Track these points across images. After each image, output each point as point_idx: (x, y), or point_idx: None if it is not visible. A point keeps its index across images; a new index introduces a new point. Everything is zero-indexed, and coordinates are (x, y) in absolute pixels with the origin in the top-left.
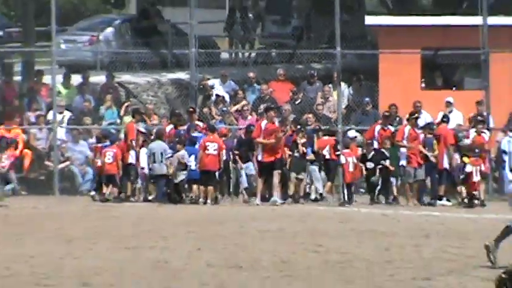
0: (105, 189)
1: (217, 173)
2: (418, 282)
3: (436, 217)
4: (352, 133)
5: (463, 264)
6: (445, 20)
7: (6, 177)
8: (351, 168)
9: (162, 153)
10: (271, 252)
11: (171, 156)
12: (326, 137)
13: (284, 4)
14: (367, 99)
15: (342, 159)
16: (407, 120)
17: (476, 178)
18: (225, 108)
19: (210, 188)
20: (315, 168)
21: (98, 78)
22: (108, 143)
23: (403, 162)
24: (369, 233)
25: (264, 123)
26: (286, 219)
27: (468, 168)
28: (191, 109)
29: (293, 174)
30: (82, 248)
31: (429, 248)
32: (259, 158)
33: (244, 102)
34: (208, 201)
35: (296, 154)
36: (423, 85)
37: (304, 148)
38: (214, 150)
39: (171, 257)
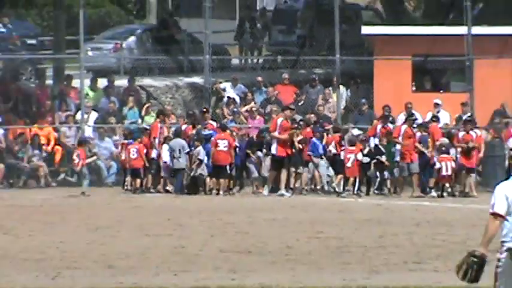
0: (130, 182)
1: (228, 167)
2: (409, 266)
3: (425, 207)
4: (356, 131)
5: (450, 249)
6: (434, 30)
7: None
8: (349, 164)
9: (180, 150)
10: (277, 239)
11: (189, 152)
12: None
13: (289, 15)
14: (363, 100)
15: (437, 165)
16: (406, 120)
17: (445, 173)
18: (235, 109)
19: (222, 180)
20: (323, 163)
21: (121, 82)
22: (132, 140)
23: (397, 158)
24: (365, 221)
25: (280, 120)
26: (291, 209)
27: (437, 165)
28: (204, 109)
29: (292, 169)
30: (107, 235)
31: (419, 235)
32: (273, 151)
33: (252, 103)
34: (221, 192)
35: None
36: (414, 88)
37: (300, 145)
38: (225, 146)
39: (187, 243)
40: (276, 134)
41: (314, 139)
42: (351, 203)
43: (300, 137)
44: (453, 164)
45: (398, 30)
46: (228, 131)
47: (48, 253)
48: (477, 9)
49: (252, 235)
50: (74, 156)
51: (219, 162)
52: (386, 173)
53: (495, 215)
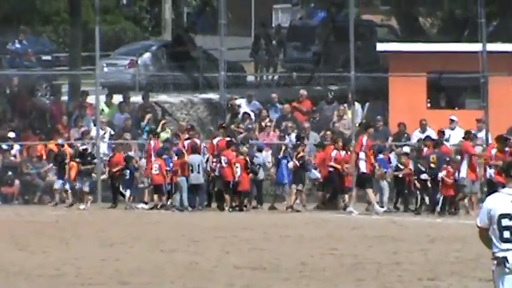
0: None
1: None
2: (423, 282)
3: (439, 223)
4: (406, 149)
5: (464, 266)
6: (449, 47)
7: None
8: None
9: (198, 165)
10: (291, 255)
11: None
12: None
13: (304, 32)
14: (378, 117)
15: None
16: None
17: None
18: (250, 126)
19: (226, 196)
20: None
21: (137, 98)
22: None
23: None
24: (379, 238)
25: (365, 139)
26: (305, 226)
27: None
28: (222, 124)
29: (293, 186)
30: (122, 251)
31: (434, 251)
32: (362, 169)
33: (267, 120)
34: (226, 208)
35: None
36: (428, 105)
37: (298, 162)
38: (225, 163)
39: (201, 260)
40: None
41: (381, 155)
42: (365, 219)
43: (301, 154)
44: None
45: (413, 47)
46: (232, 148)
47: (63, 269)
48: (492, 26)
49: (267, 251)
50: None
51: (223, 178)
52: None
53: (478, 227)
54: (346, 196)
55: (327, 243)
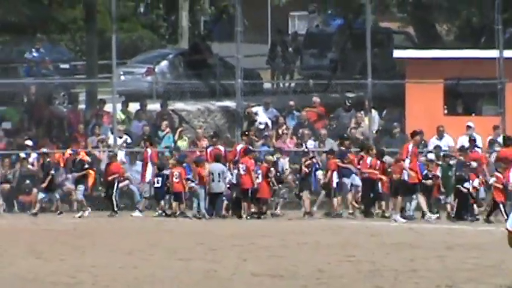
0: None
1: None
2: None
3: (457, 230)
4: (431, 156)
5: (482, 273)
6: (465, 53)
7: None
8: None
9: (219, 174)
10: (309, 262)
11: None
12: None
13: (321, 39)
14: (395, 124)
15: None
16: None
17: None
18: (267, 133)
19: (244, 203)
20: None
21: (154, 106)
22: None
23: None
24: (396, 245)
25: (410, 146)
26: (322, 233)
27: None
28: (245, 132)
29: (305, 193)
30: (139, 259)
31: (451, 258)
32: (405, 178)
33: (284, 127)
34: (244, 215)
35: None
36: (445, 111)
37: (307, 169)
38: (243, 170)
39: (219, 267)
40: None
41: (420, 163)
42: (382, 226)
43: (308, 162)
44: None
45: (430, 53)
46: (249, 155)
47: (79, 277)
48: (508, 32)
49: (284, 259)
50: (174, 178)
51: (241, 186)
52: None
53: (508, 230)
54: (383, 203)
55: (344, 250)
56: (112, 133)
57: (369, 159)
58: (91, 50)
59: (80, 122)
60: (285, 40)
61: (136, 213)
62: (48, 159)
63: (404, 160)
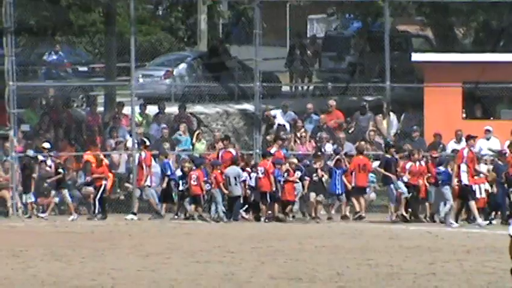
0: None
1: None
2: None
3: (476, 234)
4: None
5: (500, 276)
6: (484, 57)
7: None
8: (482, 194)
9: (236, 178)
10: (327, 266)
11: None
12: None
13: (339, 42)
14: (415, 127)
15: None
16: None
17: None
18: (285, 136)
19: (263, 207)
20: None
21: (172, 109)
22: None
23: None
24: (415, 248)
25: (465, 151)
26: (340, 236)
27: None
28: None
29: (312, 195)
30: (158, 262)
31: (470, 262)
32: (464, 181)
33: (302, 130)
34: (262, 218)
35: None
36: (464, 115)
37: (323, 172)
38: (262, 173)
39: (237, 270)
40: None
41: (442, 168)
42: (401, 230)
43: (320, 164)
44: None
45: (449, 57)
46: (268, 158)
47: (99, 280)
48: None
49: (302, 262)
50: (192, 181)
51: (260, 189)
52: None
53: (510, 236)
54: (427, 205)
55: (363, 254)
56: (130, 136)
57: (409, 164)
58: (110, 53)
59: (99, 125)
60: (304, 43)
61: (130, 216)
62: (58, 161)
63: (460, 165)
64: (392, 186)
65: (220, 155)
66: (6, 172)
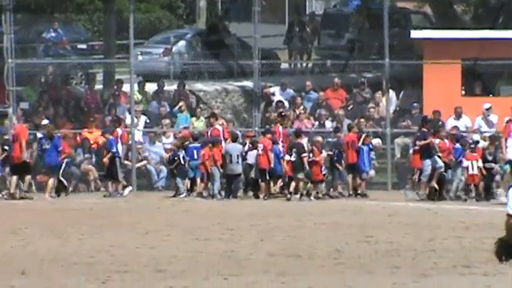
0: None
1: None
2: (458, 270)
3: (474, 211)
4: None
5: None
6: (483, 34)
7: None
8: (475, 171)
9: (238, 155)
10: (326, 243)
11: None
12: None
13: (338, 19)
14: (415, 104)
15: (465, 163)
16: None
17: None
18: (284, 114)
19: (262, 184)
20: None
21: (171, 87)
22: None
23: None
24: (414, 225)
25: None
26: (339, 213)
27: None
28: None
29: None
30: (157, 239)
31: (469, 239)
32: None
33: (301, 107)
34: (261, 196)
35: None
36: (463, 92)
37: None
38: (261, 150)
39: (236, 247)
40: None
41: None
42: (400, 207)
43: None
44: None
45: (448, 34)
46: (268, 136)
47: (98, 257)
48: None
49: (301, 239)
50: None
51: (259, 166)
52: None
53: (508, 215)
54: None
55: (362, 231)
56: (129, 113)
57: (437, 141)
58: (109, 30)
59: (97, 102)
60: (303, 20)
61: (126, 192)
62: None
63: (506, 140)
64: (429, 161)
65: (208, 132)
66: None
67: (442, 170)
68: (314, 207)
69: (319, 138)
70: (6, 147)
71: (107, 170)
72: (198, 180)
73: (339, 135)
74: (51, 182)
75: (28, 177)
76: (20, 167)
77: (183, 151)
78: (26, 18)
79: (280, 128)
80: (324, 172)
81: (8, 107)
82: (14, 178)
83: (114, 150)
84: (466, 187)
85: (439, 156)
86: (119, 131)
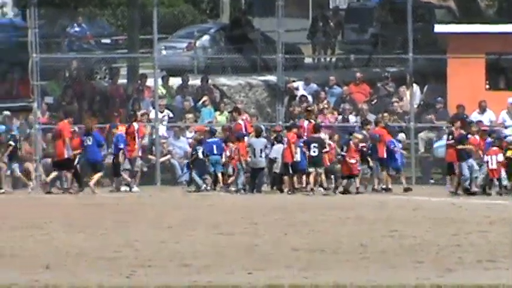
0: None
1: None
2: (483, 264)
3: (500, 205)
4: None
5: None
6: (507, 28)
7: None
8: (494, 165)
9: (261, 149)
10: (350, 237)
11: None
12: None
13: (362, 14)
14: (439, 98)
15: (485, 158)
16: None
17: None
18: (308, 108)
19: (286, 178)
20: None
21: (195, 81)
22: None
23: None
24: (439, 220)
25: None
26: (364, 208)
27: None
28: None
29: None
30: (181, 234)
31: (493, 233)
32: None
33: (325, 102)
34: (285, 190)
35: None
36: (487, 86)
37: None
38: (286, 144)
39: (260, 242)
40: None
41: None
42: (424, 201)
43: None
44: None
45: (472, 28)
46: (294, 130)
47: (122, 252)
48: None
49: (325, 233)
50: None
51: (284, 160)
52: None
53: None
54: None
55: (387, 225)
56: (153, 108)
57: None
58: (132, 25)
59: (121, 97)
60: (326, 15)
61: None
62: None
63: None
64: (465, 163)
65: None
66: (30, 144)
67: (477, 174)
68: (338, 201)
69: (359, 135)
70: (12, 143)
71: (113, 166)
72: (219, 175)
73: (367, 129)
74: (98, 175)
75: (70, 174)
76: (62, 164)
77: (201, 146)
78: (50, 13)
79: (306, 122)
80: (359, 167)
81: (32, 101)
82: (54, 173)
83: (122, 146)
84: (489, 182)
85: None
86: (135, 125)
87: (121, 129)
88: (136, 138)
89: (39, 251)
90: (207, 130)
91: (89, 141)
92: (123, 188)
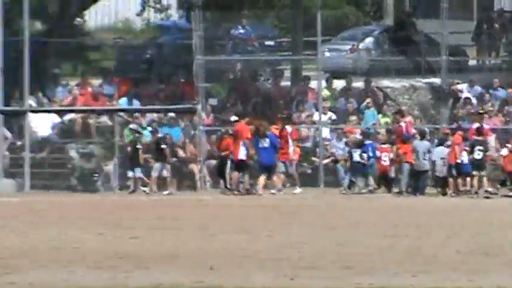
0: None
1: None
2: None
3: None
4: None
5: None
6: None
7: None
8: None
9: (425, 152)
10: None
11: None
12: None
13: None
14: None
15: None
16: None
17: None
18: (472, 111)
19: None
20: None
21: (358, 83)
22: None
23: None
24: None
25: None
26: None
27: None
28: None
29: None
30: (344, 235)
31: None
32: None
33: (489, 104)
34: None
35: None
36: None
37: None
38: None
39: (424, 244)
40: None
41: None
42: None
43: None
44: None
45: None
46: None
47: (286, 253)
48: None
49: (489, 236)
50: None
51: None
52: None
53: None
54: None
55: None
56: (317, 110)
57: None
58: (296, 27)
59: (285, 99)
60: (491, 17)
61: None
62: (159, 135)
63: None
64: None
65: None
66: (194, 146)
67: None
68: (502, 204)
69: None
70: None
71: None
72: (371, 177)
73: None
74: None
75: (247, 176)
76: (238, 165)
77: (358, 149)
78: (215, 16)
79: (476, 125)
80: None
81: (196, 103)
82: (235, 174)
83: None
84: None
85: None
86: (288, 128)
87: (274, 131)
88: (290, 141)
89: (203, 252)
90: (363, 132)
91: (266, 144)
92: (273, 191)
